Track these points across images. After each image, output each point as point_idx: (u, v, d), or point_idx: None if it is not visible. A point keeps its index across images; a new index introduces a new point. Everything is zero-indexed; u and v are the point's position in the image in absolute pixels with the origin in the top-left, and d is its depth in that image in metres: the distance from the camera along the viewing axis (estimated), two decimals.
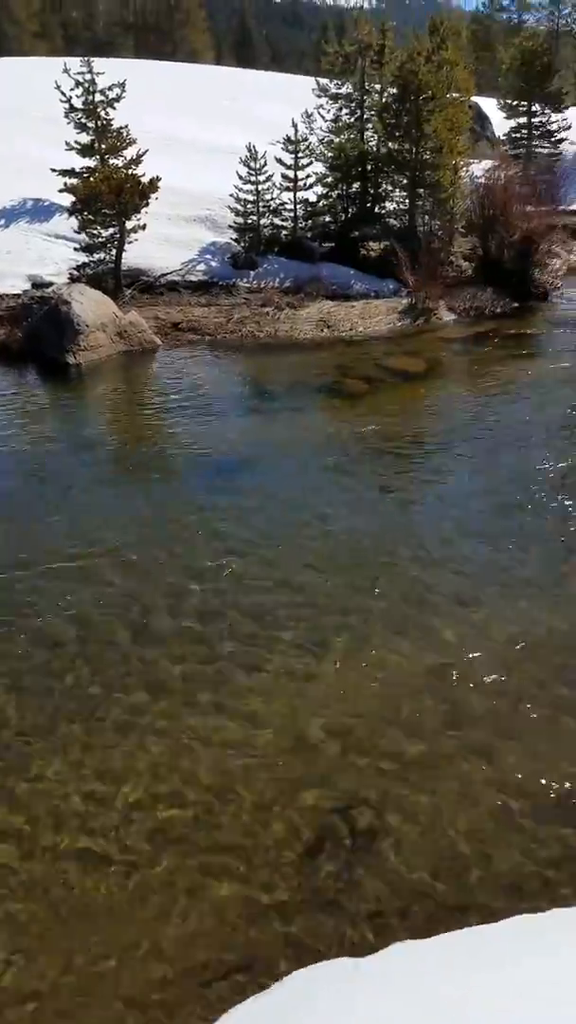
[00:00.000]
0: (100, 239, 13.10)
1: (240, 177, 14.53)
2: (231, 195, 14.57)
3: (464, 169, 15.78)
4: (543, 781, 3.80)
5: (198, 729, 4.17)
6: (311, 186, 15.21)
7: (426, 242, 14.82)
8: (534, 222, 14.40)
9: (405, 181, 15.45)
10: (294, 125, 14.77)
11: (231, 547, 5.97)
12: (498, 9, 45.23)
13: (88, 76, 14.48)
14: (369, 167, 15.77)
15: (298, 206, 15.24)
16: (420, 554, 5.86)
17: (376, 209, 15.96)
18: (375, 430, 8.52)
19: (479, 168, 16.62)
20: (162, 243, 14.20)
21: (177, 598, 5.33)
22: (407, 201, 15.60)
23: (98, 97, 14.56)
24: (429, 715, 4.25)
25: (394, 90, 15.13)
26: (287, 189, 15.00)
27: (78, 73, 14.48)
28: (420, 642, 4.85)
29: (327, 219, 15.74)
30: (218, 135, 18.61)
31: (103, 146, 14.53)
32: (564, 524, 6.30)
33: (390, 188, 15.87)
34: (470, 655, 4.68)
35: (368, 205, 15.95)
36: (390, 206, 16.02)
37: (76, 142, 14.60)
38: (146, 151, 13.42)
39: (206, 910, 3.24)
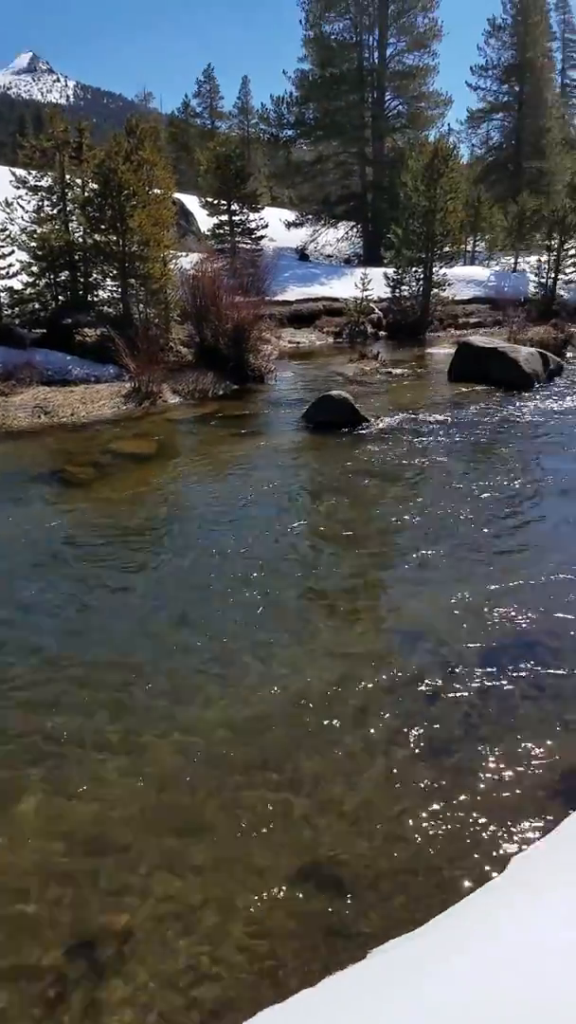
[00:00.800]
0: None
1: None
2: None
3: (173, 262, 16.48)
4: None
5: None
6: (15, 274, 14.80)
7: (143, 328, 15.08)
8: (243, 312, 15.42)
9: (115, 271, 15.70)
10: None
11: None
12: (193, 115, 48.88)
13: None
14: (77, 257, 15.79)
15: (2, 294, 14.71)
16: (127, 659, 5.47)
17: (89, 297, 15.96)
18: (104, 517, 8.21)
19: (187, 261, 17.49)
20: None
21: None
22: (120, 290, 15.83)
23: None
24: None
25: (95, 186, 15.42)
26: None
27: None
28: (122, 763, 4.54)
29: (36, 306, 15.38)
30: None
31: None
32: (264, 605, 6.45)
33: (101, 277, 16.02)
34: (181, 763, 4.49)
35: (80, 293, 15.90)
36: (103, 294, 16.14)
37: None
38: None
39: None
